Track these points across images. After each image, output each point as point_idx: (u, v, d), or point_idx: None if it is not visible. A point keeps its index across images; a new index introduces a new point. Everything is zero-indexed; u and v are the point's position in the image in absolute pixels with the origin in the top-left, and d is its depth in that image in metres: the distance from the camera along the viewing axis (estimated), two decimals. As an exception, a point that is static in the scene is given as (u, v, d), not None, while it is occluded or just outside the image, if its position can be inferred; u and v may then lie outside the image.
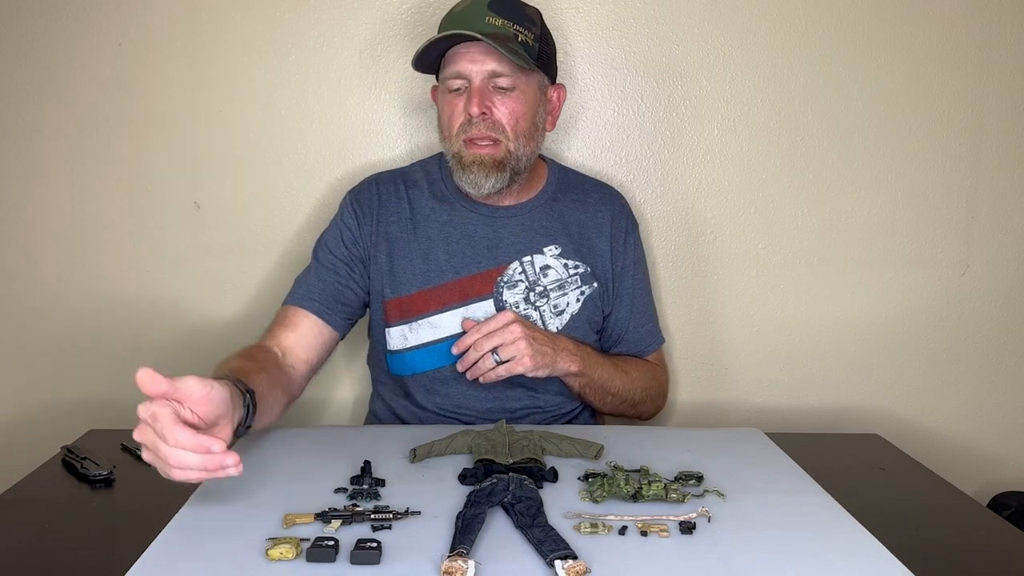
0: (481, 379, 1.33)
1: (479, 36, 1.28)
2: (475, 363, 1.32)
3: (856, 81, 1.69)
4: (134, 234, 1.69)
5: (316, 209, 1.69)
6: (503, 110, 1.33)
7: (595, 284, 1.45)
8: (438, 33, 1.35)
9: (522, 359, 1.30)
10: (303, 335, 1.35)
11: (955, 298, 1.77)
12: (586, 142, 1.71)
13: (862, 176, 1.72)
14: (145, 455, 0.90)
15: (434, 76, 1.42)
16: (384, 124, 1.68)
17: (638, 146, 1.71)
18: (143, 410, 0.87)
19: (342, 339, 1.43)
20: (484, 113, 1.32)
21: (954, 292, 1.77)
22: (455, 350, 1.35)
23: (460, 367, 1.35)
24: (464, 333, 1.35)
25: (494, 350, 1.30)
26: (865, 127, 1.71)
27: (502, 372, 1.31)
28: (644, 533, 0.93)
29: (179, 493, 1.01)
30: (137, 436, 0.89)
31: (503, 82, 1.32)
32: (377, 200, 1.44)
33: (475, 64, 1.31)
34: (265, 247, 1.70)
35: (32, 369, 1.72)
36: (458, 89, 1.35)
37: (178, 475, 0.88)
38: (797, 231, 1.74)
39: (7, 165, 1.67)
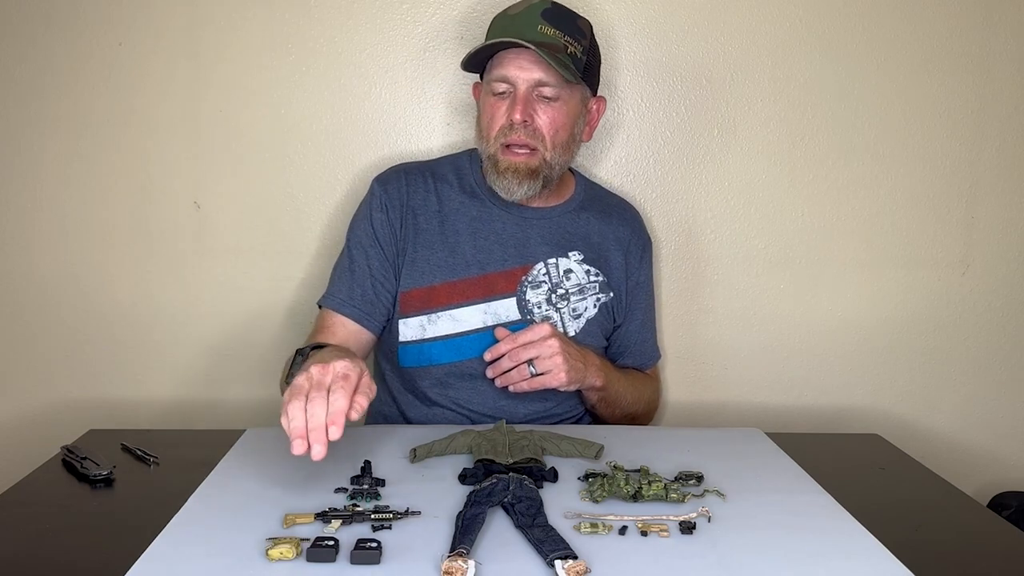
0: (512, 388, 1.34)
1: (530, 46, 1.29)
2: (507, 371, 1.33)
3: (856, 81, 1.69)
4: (134, 234, 1.69)
5: (317, 209, 1.68)
6: (544, 119, 1.35)
7: (611, 293, 1.48)
8: (488, 32, 1.38)
9: (558, 374, 1.31)
10: (344, 341, 1.36)
11: (955, 298, 1.77)
12: (586, 142, 1.70)
13: (862, 176, 1.72)
14: (294, 407, 0.96)
15: (479, 76, 1.44)
16: (384, 125, 1.68)
17: (638, 146, 1.71)
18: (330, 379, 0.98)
19: (378, 338, 1.46)
20: (526, 121, 1.33)
21: (954, 292, 1.77)
22: (488, 356, 1.35)
23: (491, 373, 1.35)
24: (483, 334, 1.37)
25: (530, 362, 1.31)
26: (865, 127, 1.71)
27: (536, 384, 1.32)
28: (644, 533, 0.94)
29: (179, 493, 1.01)
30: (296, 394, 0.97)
31: (548, 92, 1.34)
32: (406, 188, 1.45)
33: (523, 71, 1.33)
34: (265, 247, 1.69)
35: (32, 369, 1.72)
36: (502, 93, 1.36)
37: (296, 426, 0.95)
38: (797, 231, 1.74)
39: (7, 165, 1.66)
